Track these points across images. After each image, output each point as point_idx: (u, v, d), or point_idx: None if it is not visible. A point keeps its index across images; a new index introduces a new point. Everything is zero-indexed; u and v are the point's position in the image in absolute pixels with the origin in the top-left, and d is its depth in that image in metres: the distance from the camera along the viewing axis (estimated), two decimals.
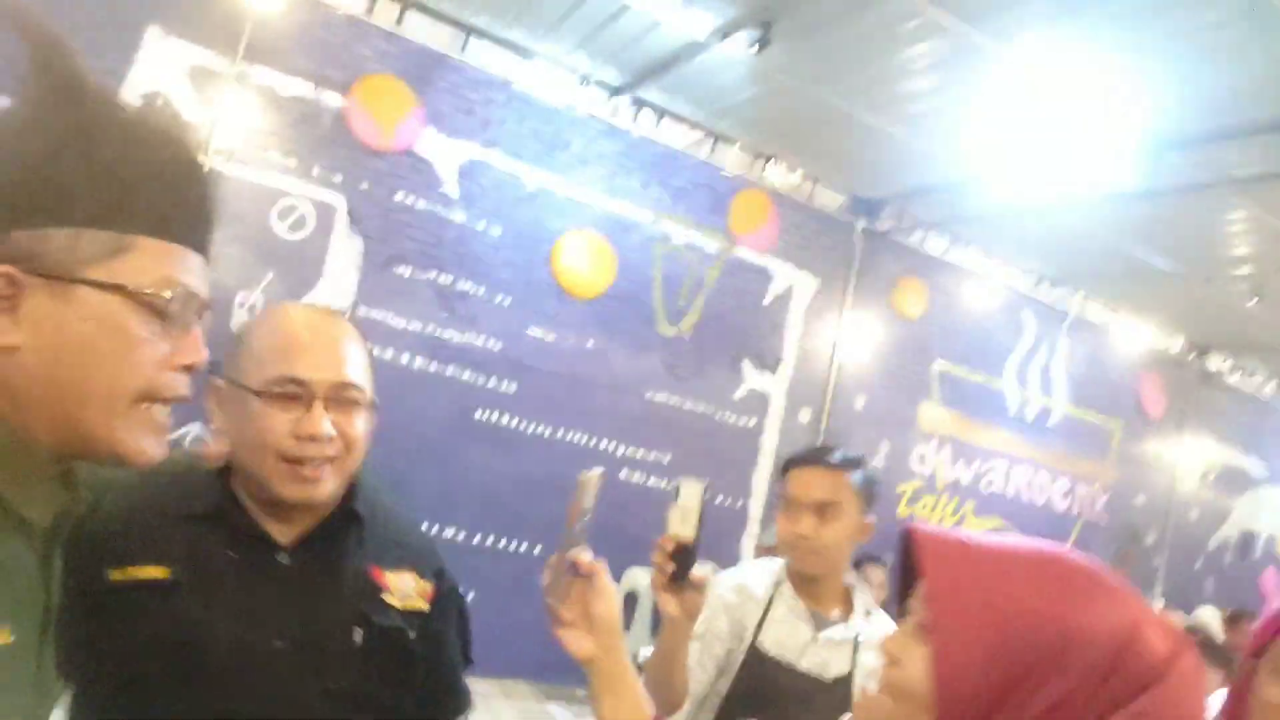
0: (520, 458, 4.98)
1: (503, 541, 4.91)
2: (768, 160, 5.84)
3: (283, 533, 1.11)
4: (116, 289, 0.69)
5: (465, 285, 4.90)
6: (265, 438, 1.04)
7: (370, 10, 4.81)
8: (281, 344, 1.08)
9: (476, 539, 4.86)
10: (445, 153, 4.89)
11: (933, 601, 0.74)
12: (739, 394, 5.76)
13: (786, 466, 1.74)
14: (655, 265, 5.47)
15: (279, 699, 1.02)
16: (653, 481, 5.41)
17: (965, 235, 6.48)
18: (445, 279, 4.86)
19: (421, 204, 4.83)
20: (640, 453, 5.43)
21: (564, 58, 5.15)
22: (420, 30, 4.92)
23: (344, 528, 1.14)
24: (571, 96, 5.27)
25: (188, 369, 0.76)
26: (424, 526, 1.28)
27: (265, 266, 4.43)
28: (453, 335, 4.86)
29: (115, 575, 0.99)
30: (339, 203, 4.62)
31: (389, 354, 4.69)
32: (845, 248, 6.15)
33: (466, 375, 4.87)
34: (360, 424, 1.10)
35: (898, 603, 0.85)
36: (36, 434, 0.70)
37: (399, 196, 4.77)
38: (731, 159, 5.82)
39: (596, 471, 0.99)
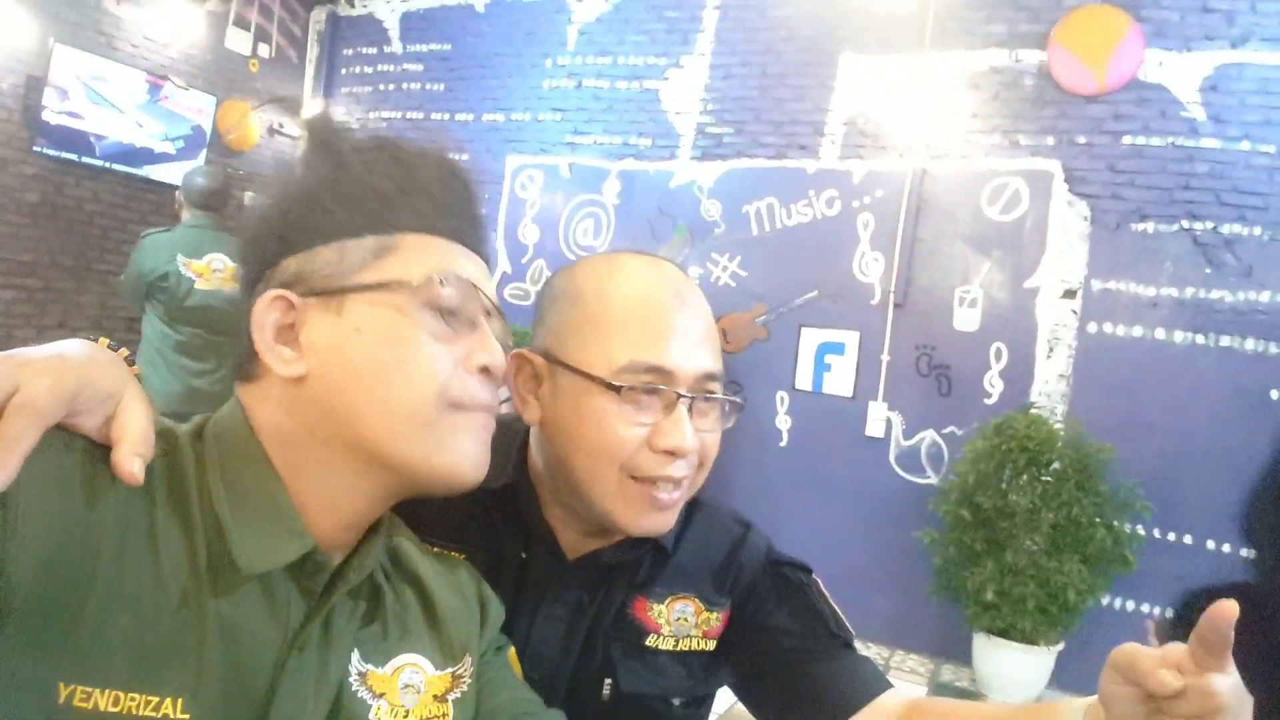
0: None
1: None
2: None
3: (572, 544, 0.87)
4: (384, 286, 0.65)
5: (1233, 229, 3.84)
6: (613, 448, 0.77)
7: None
8: (642, 318, 0.79)
9: None
10: (1181, 70, 3.92)
11: None
12: None
13: None
14: None
15: None
16: None
17: None
18: (1203, 226, 3.88)
19: (1156, 141, 3.96)
20: None
21: None
22: None
23: (641, 556, 0.87)
24: None
25: (485, 372, 0.68)
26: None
27: (981, 256, 4.20)
28: (1223, 295, 3.84)
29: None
30: (1054, 168, 4.10)
31: (1137, 331, 3.96)
32: None
33: (1250, 345, 3.79)
34: (718, 431, 0.83)
35: None
36: (334, 473, 0.64)
37: (1127, 140, 4.01)
38: None
39: None
